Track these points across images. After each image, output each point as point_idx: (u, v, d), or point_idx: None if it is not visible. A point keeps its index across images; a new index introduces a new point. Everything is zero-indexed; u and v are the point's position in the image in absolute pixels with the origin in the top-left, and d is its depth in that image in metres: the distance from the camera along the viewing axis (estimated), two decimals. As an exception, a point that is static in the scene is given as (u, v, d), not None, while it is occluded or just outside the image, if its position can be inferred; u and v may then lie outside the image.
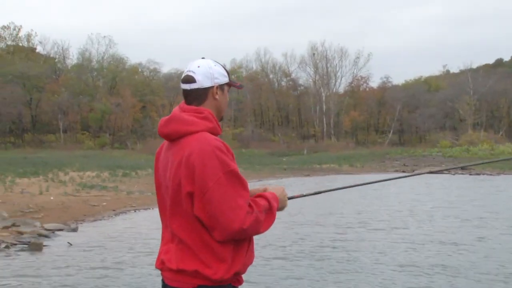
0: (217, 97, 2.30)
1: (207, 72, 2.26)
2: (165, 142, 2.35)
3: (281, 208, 2.38)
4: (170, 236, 2.25)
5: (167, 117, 2.27)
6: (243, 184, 2.15)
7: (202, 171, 2.07)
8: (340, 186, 2.95)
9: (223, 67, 2.35)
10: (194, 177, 2.09)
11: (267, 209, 2.22)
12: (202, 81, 2.26)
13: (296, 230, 11.42)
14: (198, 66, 2.28)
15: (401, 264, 8.04)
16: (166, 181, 2.25)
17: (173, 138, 2.22)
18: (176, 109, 2.29)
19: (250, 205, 2.15)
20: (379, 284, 6.97)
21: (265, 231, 2.24)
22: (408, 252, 8.96)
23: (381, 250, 9.18)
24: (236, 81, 2.44)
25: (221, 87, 2.31)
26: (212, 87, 2.28)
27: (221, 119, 2.36)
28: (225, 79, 2.33)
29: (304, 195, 2.71)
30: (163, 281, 2.27)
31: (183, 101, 2.32)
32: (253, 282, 6.86)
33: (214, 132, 2.23)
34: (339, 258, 8.51)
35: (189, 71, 2.28)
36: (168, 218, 2.23)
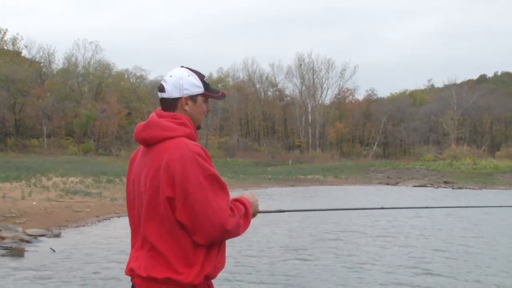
0: (186, 108, 2.29)
1: (177, 83, 2.26)
2: (141, 147, 2.34)
3: (253, 213, 2.41)
4: (140, 243, 2.24)
5: (144, 122, 2.27)
6: (223, 188, 2.18)
7: (183, 177, 2.08)
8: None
9: (200, 77, 2.32)
10: (174, 183, 2.09)
11: (244, 214, 2.27)
12: (170, 91, 2.27)
13: (283, 237, 11.44)
14: (170, 76, 2.28)
15: (391, 266, 8.10)
16: (140, 187, 2.24)
17: (150, 143, 2.22)
18: (153, 114, 2.29)
19: (231, 208, 2.19)
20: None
21: (242, 234, 2.29)
22: (394, 256, 9.03)
23: (368, 255, 9.24)
24: (218, 90, 2.40)
25: (192, 98, 2.29)
26: (181, 98, 2.28)
27: (197, 128, 2.35)
28: (197, 90, 2.30)
29: (267, 212, 2.82)
30: (133, 287, 2.26)
31: (159, 107, 2.34)
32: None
33: (192, 138, 2.24)
34: (330, 261, 8.54)
35: (163, 79, 2.30)
36: (142, 224, 2.21)
